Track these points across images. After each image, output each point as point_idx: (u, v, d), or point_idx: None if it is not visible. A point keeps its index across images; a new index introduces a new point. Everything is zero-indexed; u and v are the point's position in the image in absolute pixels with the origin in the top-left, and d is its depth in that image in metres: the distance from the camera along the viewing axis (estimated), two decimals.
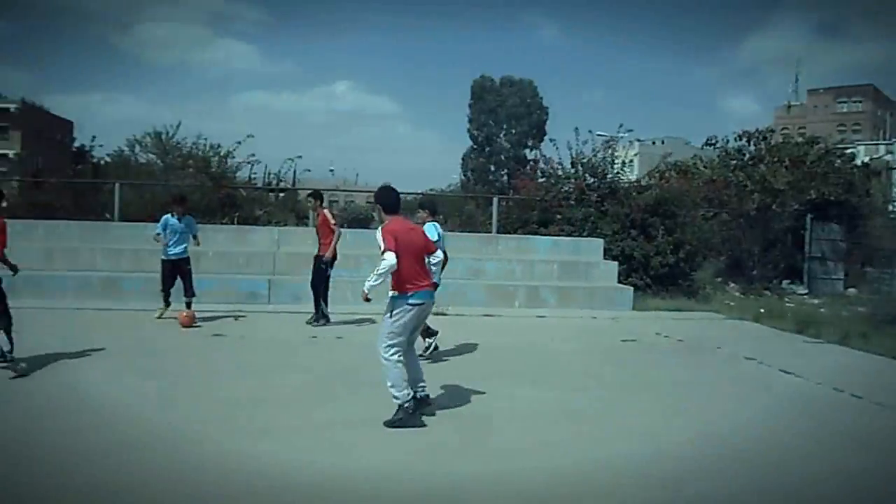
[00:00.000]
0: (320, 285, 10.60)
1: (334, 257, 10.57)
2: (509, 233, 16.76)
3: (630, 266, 15.54)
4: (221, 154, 18.51)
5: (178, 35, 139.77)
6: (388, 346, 5.82)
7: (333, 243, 10.46)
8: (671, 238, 15.95)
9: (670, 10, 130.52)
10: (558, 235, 16.00)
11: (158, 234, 10.19)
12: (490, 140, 63.16)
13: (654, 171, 19.73)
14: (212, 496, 4.39)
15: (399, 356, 5.87)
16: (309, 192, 11.63)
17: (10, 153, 61.36)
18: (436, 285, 6.36)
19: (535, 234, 16.42)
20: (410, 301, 5.86)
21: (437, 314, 11.71)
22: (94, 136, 24.20)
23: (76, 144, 37.32)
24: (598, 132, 18.23)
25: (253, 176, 19.32)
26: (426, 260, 6.15)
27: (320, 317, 10.57)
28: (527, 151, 59.45)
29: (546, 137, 49.46)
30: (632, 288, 14.16)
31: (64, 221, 14.94)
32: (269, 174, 19.51)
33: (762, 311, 13.40)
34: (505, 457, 5.30)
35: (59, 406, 6.13)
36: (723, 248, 19.57)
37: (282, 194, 19.88)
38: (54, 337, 8.52)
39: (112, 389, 6.77)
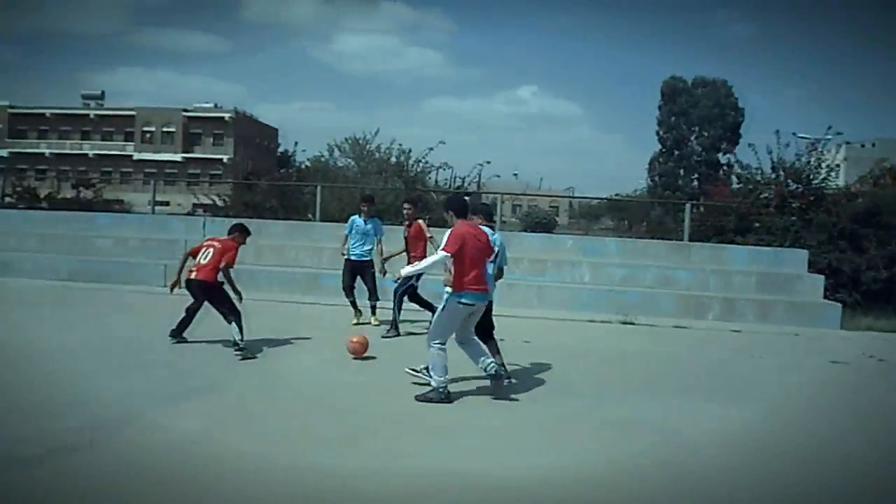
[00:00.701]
0: (399, 290, 9.95)
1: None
2: (702, 241, 16.00)
3: (837, 281, 14.32)
4: (413, 159, 19.32)
5: (372, 45, 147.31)
6: (434, 338, 6.41)
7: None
8: (886, 250, 14.60)
9: None
10: (756, 245, 15.10)
11: (346, 234, 10.66)
12: (680, 143, 60.63)
13: (867, 176, 18.18)
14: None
15: (441, 346, 6.37)
16: (409, 197, 11.90)
17: (225, 158, 67.94)
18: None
19: (731, 242, 15.56)
20: (462, 300, 6.33)
21: (624, 323, 11.56)
22: (296, 142, 26.10)
23: (281, 149, 40.40)
24: (802, 135, 17.12)
25: (444, 181, 19.99)
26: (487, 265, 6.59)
27: (392, 328, 10.00)
28: (720, 155, 56.57)
29: (741, 140, 46.94)
30: (840, 305, 13.05)
31: (272, 220, 16.31)
32: (456, 178, 20.12)
33: None
34: (695, 474, 5.08)
35: (276, 386, 6.80)
36: None
37: (467, 198, 20.35)
38: (266, 327, 9.24)
39: (316, 377, 7.43)
